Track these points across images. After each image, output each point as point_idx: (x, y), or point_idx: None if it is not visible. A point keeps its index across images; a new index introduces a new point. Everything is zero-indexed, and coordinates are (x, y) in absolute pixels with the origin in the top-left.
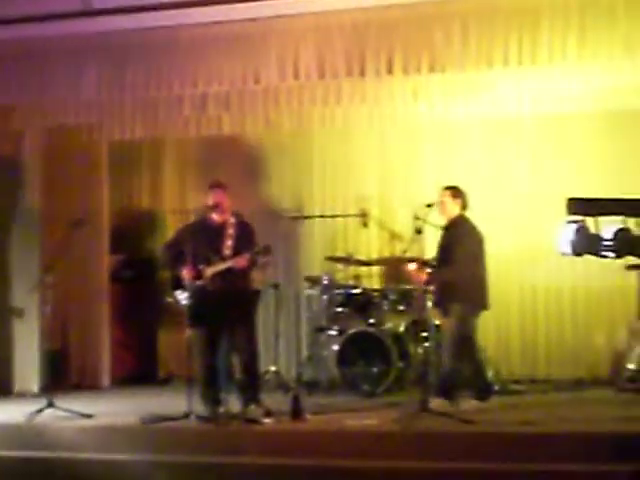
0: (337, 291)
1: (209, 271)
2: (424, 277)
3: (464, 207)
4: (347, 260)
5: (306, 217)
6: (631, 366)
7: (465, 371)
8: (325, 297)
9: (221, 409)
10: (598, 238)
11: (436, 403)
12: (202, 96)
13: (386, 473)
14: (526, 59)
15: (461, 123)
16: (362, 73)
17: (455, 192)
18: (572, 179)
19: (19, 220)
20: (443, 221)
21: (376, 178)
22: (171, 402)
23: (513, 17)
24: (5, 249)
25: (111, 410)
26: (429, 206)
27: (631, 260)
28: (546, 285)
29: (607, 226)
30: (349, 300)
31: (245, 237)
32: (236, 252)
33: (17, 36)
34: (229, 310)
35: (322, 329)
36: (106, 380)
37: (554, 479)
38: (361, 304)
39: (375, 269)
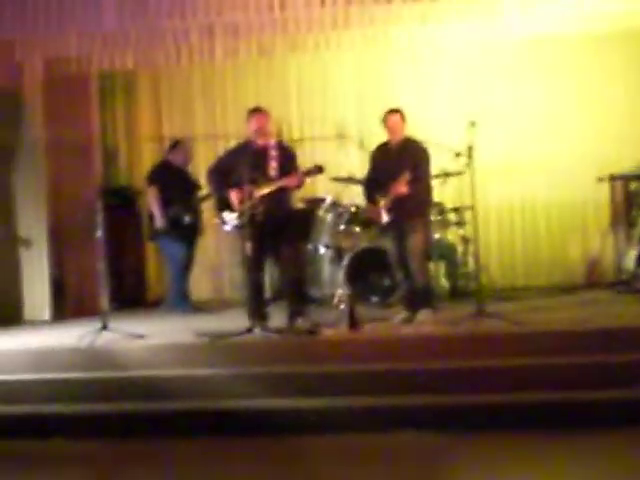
0: (341, 209)
1: (258, 192)
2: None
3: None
4: (350, 179)
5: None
6: (628, 268)
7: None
8: (330, 215)
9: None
10: None
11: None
12: (209, 25)
13: (452, 372)
14: None
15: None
16: None
17: (402, 114)
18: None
19: (23, 152)
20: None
21: (353, 101)
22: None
23: None
24: (10, 181)
25: (155, 330)
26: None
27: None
28: (521, 201)
29: None
30: (354, 218)
31: (288, 158)
32: (281, 173)
33: None
34: (279, 228)
35: (328, 246)
36: (105, 306)
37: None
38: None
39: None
